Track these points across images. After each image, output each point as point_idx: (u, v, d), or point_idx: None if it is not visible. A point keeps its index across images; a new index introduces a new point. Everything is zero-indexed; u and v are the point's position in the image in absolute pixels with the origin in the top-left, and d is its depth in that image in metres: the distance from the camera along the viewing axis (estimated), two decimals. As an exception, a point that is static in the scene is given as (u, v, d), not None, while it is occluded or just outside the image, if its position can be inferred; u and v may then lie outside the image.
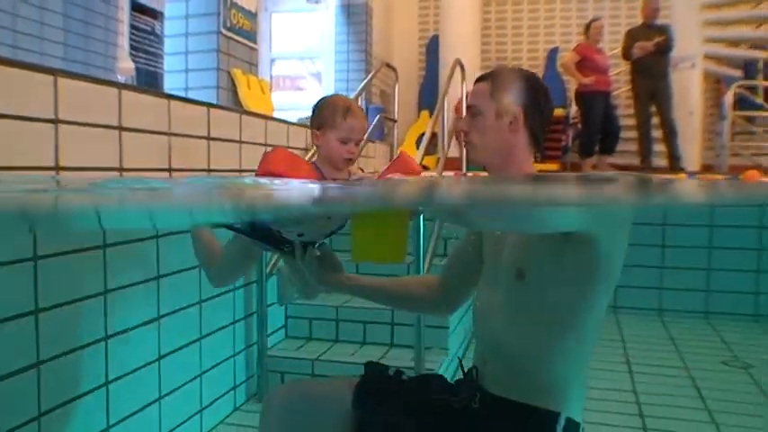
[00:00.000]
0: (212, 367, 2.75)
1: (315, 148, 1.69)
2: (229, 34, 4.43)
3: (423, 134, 5.71)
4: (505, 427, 1.35)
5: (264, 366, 3.06)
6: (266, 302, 3.05)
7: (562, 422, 1.32)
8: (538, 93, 1.44)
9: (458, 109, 5.58)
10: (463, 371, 1.50)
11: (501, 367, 1.39)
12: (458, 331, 3.46)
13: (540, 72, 8.45)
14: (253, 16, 4.74)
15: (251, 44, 4.73)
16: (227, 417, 2.87)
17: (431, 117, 5.74)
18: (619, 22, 8.19)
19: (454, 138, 5.68)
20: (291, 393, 1.54)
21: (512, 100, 1.41)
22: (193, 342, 2.60)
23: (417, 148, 6.52)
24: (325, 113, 1.57)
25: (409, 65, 8.66)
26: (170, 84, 4.40)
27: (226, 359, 2.87)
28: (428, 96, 8.06)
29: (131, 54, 4.22)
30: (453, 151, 5.92)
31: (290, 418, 1.49)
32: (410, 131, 7.80)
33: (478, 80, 1.47)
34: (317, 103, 1.63)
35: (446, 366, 3.10)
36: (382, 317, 3.27)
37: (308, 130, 3.90)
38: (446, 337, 3.17)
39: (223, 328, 2.84)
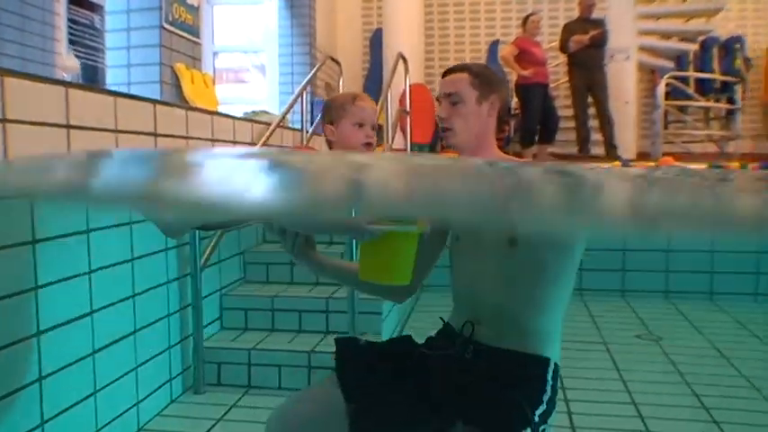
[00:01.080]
0: (148, 360, 2.75)
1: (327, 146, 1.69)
2: (172, 29, 4.40)
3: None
4: (505, 373, 1.48)
5: (201, 358, 3.07)
6: (201, 294, 3.05)
7: (552, 366, 1.50)
8: (503, 84, 1.65)
9: (402, 101, 5.67)
10: (448, 329, 1.62)
11: (495, 323, 1.51)
12: (391, 317, 3.56)
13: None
14: (195, 10, 4.72)
15: (194, 38, 4.71)
16: (164, 409, 2.88)
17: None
18: (557, 15, 8.40)
19: (399, 129, 5.79)
20: (286, 418, 1.56)
21: (488, 88, 1.57)
22: (128, 336, 2.60)
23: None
24: (334, 106, 1.63)
25: (353, 57, 8.71)
26: (112, 79, 4.35)
27: (161, 352, 2.88)
28: (372, 89, 8.12)
29: (70, 48, 4.16)
30: (398, 143, 6.03)
31: None
32: (355, 124, 7.85)
33: (453, 71, 1.59)
34: (325, 103, 1.69)
35: None
36: (317, 305, 3.34)
37: (254, 125, 3.94)
38: (379, 323, 3.27)
39: (158, 320, 2.84)
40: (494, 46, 8.45)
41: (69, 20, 4.27)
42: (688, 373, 3.26)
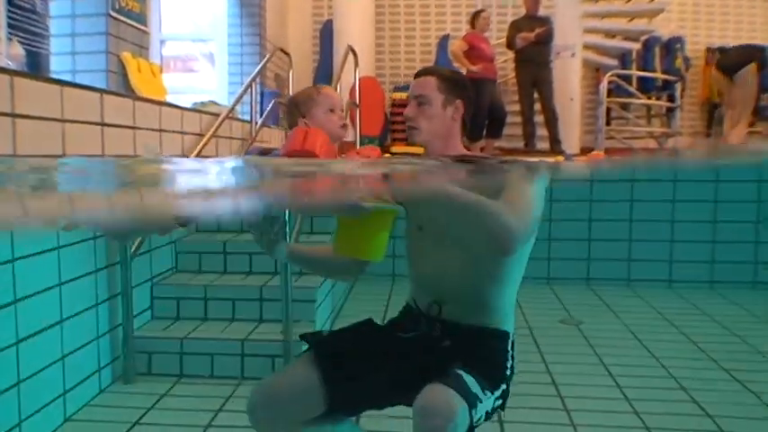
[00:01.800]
0: (75, 350, 2.71)
1: None
2: (118, 16, 4.33)
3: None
4: (472, 347, 1.62)
5: (131, 348, 3.04)
6: (131, 283, 3.02)
7: (510, 339, 1.69)
8: (470, 90, 1.76)
9: (352, 94, 5.70)
10: (412, 310, 1.75)
11: (459, 302, 1.66)
12: (325, 304, 3.60)
13: (432, 59, 8.70)
14: (143, -2, 4.66)
15: (141, 27, 4.64)
16: (93, 399, 2.85)
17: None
18: (506, 12, 8.54)
19: (349, 122, 5.82)
20: (263, 397, 1.64)
21: (455, 94, 1.70)
22: (53, 325, 2.56)
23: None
24: (301, 100, 1.77)
25: (304, 49, 8.69)
26: (56, 66, 4.25)
27: (89, 342, 2.84)
28: (323, 81, 8.12)
29: (9, 33, 4.05)
30: (348, 136, 6.05)
31: (272, 417, 1.62)
32: (305, 115, 7.85)
33: (423, 74, 1.74)
34: (289, 102, 1.83)
35: None
36: (250, 293, 3.34)
37: (202, 116, 3.92)
38: (313, 311, 3.30)
39: (86, 310, 2.80)
40: (444, 40, 8.55)
41: (9, 3, 4.15)
42: (605, 354, 3.46)
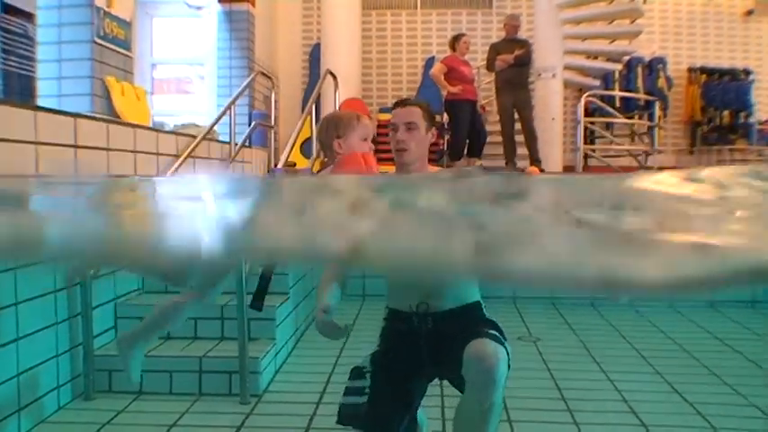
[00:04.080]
0: (31, 368, 2.74)
1: (326, 159, 2.21)
2: (103, 43, 4.53)
3: (307, 139, 5.97)
4: (463, 321, 1.96)
5: (91, 366, 3.07)
6: (91, 304, 3.06)
7: (483, 304, 2.06)
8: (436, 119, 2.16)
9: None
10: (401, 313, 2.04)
11: (443, 295, 1.99)
12: (287, 323, 3.67)
13: (418, 80, 8.91)
14: (127, 25, 4.86)
15: (126, 52, 4.84)
16: (51, 415, 2.88)
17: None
18: (490, 35, 8.75)
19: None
20: None
21: (431, 122, 2.08)
22: (9, 343, 2.60)
23: (302, 152, 6.80)
24: (342, 123, 2.10)
25: (293, 71, 8.91)
26: (44, 90, 4.45)
27: (48, 359, 2.87)
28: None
29: (2, 58, 4.24)
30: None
31: None
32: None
33: (411, 104, 2.09)
34: (328, 119, 2.18)
35: (273, 355, 3.36)
36: (212, 312, 3.40)
37: (179, 138, 4.10)
38: (273, 328, 3.39)
39: (44, 328, 2.83)
40: (430, 62, 8.74)
41: (2, 29, 4.35)
42: (555, 369, 3.55)
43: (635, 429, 2.79)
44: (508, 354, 1.86)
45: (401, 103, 2.11)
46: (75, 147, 2.91)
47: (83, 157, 2.95)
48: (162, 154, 3.71)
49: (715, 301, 5.01)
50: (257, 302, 2.37)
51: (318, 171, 2.52)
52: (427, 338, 2.00)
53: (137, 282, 3.67)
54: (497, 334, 1.90)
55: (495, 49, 6.86)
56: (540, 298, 5.19)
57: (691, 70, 9.20)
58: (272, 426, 2.86)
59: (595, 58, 8.39)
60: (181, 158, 3.69)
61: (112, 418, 2.91)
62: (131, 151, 3.36)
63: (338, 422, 2.03)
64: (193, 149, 3.84)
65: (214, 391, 3.09)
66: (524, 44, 6.90)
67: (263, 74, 5.40)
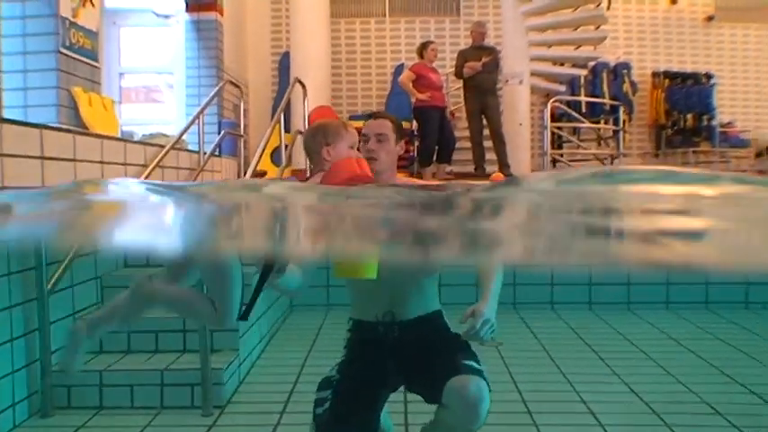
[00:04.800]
0: None
1: (313, 166, 2.23)
2: (69, 53, 4.50)
3: (277, 148, 5.98)
4: (427, 330, 2.09)
5: (48, 382, 3.01)
6: (48, 319, 3.01)
7: (443, 314, 2.17)
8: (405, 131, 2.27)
9: (312, 121, 5.90)
10: (366, 323, 2.11)
11: (407, 305, 2.08)
12: (251, 333, 3.65)
13: (387, 87, 8.97)
14: (93, 35, 4.83)
15: (92, 62, 4.81)
16: None
17: (288, 132, 6.03)
18: (458, 42, 8.85)
19: (304, 152, 6.01)
20: None
21: (400, 135, 2.18)
22: None
23: (272, 160, 6.80)
24: (331, 131, 2.14)
25: (263, 80, 8.91)
26: (8, 101, 4.40)
27: (3, 376, 2.81)
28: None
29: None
30: (301, 164, 6.26)
31: None
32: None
33: (382, 117, 2.20)
34: (316, 127, 2.21)
35: (237, 366, 3.36)
36: (174, 325, 3.36)
37: (146, 147, 4.09)
38: (236, 339, 3.37)
39: None
40: (399, 70, 8.80)
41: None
42: (516, 372, 3.60)
43: (593, 430, 2.86)
44: (488, 385, 1.95)
45: (373, 115, 2.24)
46: (42, 158, 2.90)
47: (49, 168, 2.94)
48: (130, 164, 3.70)
49: (669, 302, 5.13)
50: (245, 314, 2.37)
51: (307, 179, 2.56)
52: (393, 348, 2.07)
53: (95, 295, 3.59)
54: (476, 365, 1.99)
55: (462, 56, 6.95)
56: (502, 303, 5.20)
57: (655, 75, 9.40)
58: (235, 437, 2.85)
59: (561, 64, 8.52)
60: (149, 168, 3.69)
61: (72, 435, 2.84)
62: (99, 162, 3.35)
63: None
64: (161, 159, 3.84)
65: (176, 404, 3.05)
66: (492, 51, 6.99)
67: (232, 83, 5.40)
